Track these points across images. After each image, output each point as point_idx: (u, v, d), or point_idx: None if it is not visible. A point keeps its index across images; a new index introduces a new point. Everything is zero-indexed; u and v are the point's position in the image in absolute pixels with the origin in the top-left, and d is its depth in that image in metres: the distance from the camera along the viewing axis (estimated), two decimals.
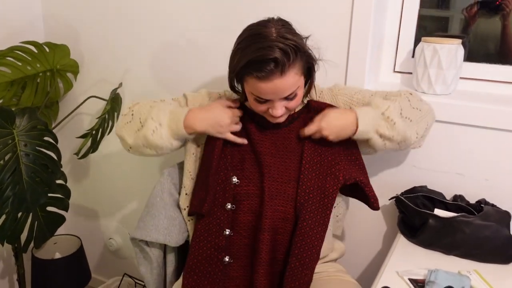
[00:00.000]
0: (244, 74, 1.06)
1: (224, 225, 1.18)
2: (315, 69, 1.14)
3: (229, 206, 1.18)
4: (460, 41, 1.29)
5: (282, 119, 1.15)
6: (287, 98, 1.09)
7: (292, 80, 1.04)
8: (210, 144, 1.21)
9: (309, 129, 1.14)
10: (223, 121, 1.15)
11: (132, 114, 1.19)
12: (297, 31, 1.08)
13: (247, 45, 1.03)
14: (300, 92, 1.11)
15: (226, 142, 1.20)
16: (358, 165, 1.20)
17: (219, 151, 1.19)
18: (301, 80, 1.10)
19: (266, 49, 1.00)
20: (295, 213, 1.14)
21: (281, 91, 1.05)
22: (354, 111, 1.11)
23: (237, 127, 1.19)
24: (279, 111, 1.09)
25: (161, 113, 1.16)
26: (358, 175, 1.17)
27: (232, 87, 1.19)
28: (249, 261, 1.19)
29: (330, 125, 1.12)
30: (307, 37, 1.10)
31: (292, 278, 1.14)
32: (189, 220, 1.29)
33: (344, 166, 1.16)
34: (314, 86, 1.21)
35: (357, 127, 1.10)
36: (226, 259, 1.19)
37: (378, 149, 1.15)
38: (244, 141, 1.19)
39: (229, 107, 1.19)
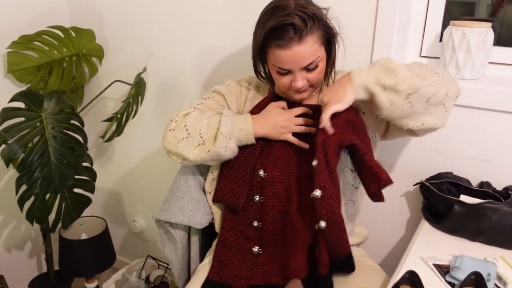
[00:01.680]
0: (265, 45, 1.08)
1: (253, 216, 1.20)
2: (336, 43, 1.14)
3: (257, 199, 1.19)
4: (490, 24, 1.26)
5: (305, 95, 1.16)
6: (307, 69, 1.09)
7: (311, 48, 1.06)
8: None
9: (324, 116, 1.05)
10: (283, 123, 1.16)
11: (187, 129, 1.16)
12: (316, 4, 1.09)
13: (267, 18, 1.07)
14: (322, 64, 1.11)
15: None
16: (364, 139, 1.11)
17: (260, 149, 1.19)
18: (321, 51, 1.10)
19: (284, 16, 1.03)
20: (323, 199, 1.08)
21: (301, 59, 1.06)
22: (349, 72, 1.06)
23: (298, 128, 1.17)
24: (300, 83, 1.10)
25: (229, 128, 1.14)
26: (359, 143, 1.08)
27: (256, 71, 1.19)
28: (277, 248, 1.20)
29: (327, 91, 1.07)
30: (326, 9, 1.11)
31: (326, 247, 1.12)
32: (213, 204, 1.31)
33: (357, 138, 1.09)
34: (335, 71, 1.20)
35: (352, 80, 1.02)
36: (255, 249, 1.21)
37: (386, 107, 1.01)
38: (306, 145, 1.17)
39: (283, 108, 1.20)
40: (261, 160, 1.19)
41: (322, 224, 1.04)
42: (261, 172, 1.18)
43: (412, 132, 1.12)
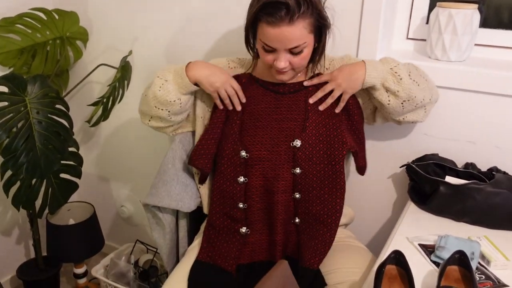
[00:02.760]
0: (257, 19, 1.08)
1: (238, 198, 1.21)
2: (327, 34, 1.14)
3: (241, 179, 1.20)
4: (476, 6, 1.26)
5: (285, 77, 1.17)
6: (292, 52, 1.10)
7: (299, 32, 1.06)
8: (217, 111, 1.25)
9: (322, 78, 1.20)
10: (219, 77, 1.20)
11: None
12: None
13: None
14: (307, 51, 1.12)
15: (235, 114, 1.23)
16: (358, 136, 1.25)
17: (239, 127, 1.22)
18: (310, 38, 1.10)
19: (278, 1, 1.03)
20: (304, 177, 1.17)
21: (287, 41, 1.07)
22: (363, 61, 1.16)
23: (224, 94, 1.21)
24: (282, 63, 1.11)
25: (166, 71, 1.22)
26: (356, 145, 1.24)
27: (247, 41, 1.19)
28: (264, 225, 1.23)
29: (341, 71, 1.17)
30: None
31: (308, 236, 1.20)
32: (200, 186, 1.31)
33: (347, 134, 1.21)
34: (324, 56, 1.20)
35: (365, 75, 1.14)
36: (243, 230, 1.22)
37: (383, 103, 1.17)
38: (220, 106, 1.23)
39: (235, 88, 1.23)
40: (244, 141, 1.20)
41: (297, 195, 1.18)
42: (243, 153, 1.19)
43: (395, 121, 1.26)
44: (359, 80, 1.15)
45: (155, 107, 1.21)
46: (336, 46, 1.34)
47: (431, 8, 1.35)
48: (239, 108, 1.23)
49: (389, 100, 1.16)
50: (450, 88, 1.28)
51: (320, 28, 1.12)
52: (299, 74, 1.23)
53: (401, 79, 1.14)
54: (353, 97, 1.22)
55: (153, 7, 1.65)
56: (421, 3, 1.40)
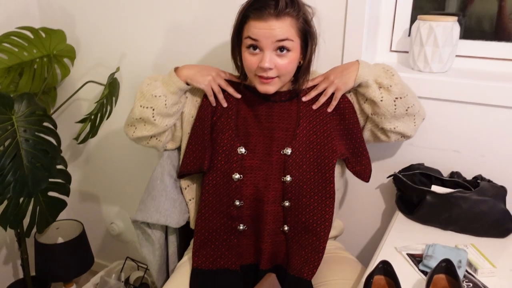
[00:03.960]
0: (245, 18, 1.10)
1: (234, 195, 1.20)
2: (313, 48, 1.15)
3: (237, 176, 1.19)
4: (455, 18, 1.29)
5: (270, 88, 1.14)
6: (279, 49, 1.09)
7: (286, 28, 1.08)
8: (204, 105, 1.26)
9: (318, 87, 1.21)
10: (210, 71, 1.23)
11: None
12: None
13: None
14: (293, 54, 1.11)
15: (230, 113, 1.23)
16: (352, 141, 1.25)
17: (212, 109, 1.24)
18: (296, 39, 1.10)
19: None
20: (294, 185, 1.17)
21: (274, 33, 1.07)
22: (357, 60, 1.20)
23: (216, 88, 1.23)
24: (267, 63, 1.08)
25: (156, 75, 1.26)
26: (347, 152, 1.26)
27: (233, 51, 1.19)
28: (252, 232, 1.23)
29: (334, 70, 1.21)
30: (311, 8, 1.14)
31: (297, 245, 1.20)
32: (190, 200, 1.31)
33: (338, 141, 1.22)
34: (309, 72, 1.20)
35: (358, 70, 1.17)
36: (241, 227, 1.22)
37: (375, 101, 1.18)
38: (212, 101, 1.24)
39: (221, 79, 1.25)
40: (242, 143, 1.20)
41: (287, 204, 1.18)
42: (242, 149, 1.19)
43: (384, 135, 1.26)
44: (352, 76, 1.17)
45: (140, 106, 1.21)
46: (321, 58, 1.36)
47: (413, 21, 1.38)
48: (225, 104, 1.24)
49: (382, 97, 1.17)
50: (434, 99, 1.30)
51: (307, 40, 1.13)
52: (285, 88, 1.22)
53: (393, 75, 1.17)
54: (348, 101, 1.23)
55: (139, 24, 1.66)
56: (403, 16, 1.43)
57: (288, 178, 1.17)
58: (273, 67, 1.10)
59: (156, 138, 1.27)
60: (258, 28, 1.07)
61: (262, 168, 1.19)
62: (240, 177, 1.19)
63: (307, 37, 1.13)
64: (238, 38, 1.15)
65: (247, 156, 1.19)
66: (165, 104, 1.19)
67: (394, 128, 1.22)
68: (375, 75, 1.17)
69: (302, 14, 1.10)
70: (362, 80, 1.17)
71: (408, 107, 1.19)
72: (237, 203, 1.20)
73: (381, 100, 1.17)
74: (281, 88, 1.21)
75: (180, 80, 1.20)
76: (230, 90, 1.24)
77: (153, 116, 1.20)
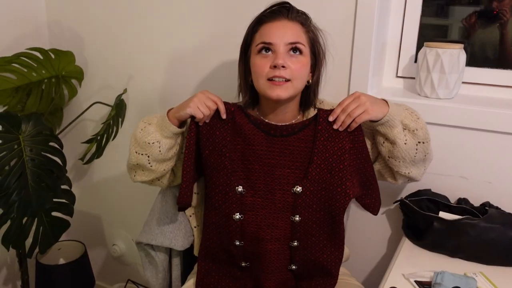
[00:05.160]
0: (258, 23, 1.12)
1: (233, 236, 1.16)
2: (322, 60, 1.16)
3: (237, 216, 1.14)
4: (462, 45, 1.31)
5: (282, 92, 1.07)
6: (291, 50, 1.08)
7: (298, 30, 1.09)
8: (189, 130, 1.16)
9: (345, 101, 1.10)
10: (193, 97, 1.11)
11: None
12: None
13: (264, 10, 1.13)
14: (305, 60, 1.09)
15: (220, 144, 1.13)
16: (365, 176, 1.17)
17: (194, 134, 1.14)
18: (307, 47, 1.10)
19: (281, 3, 1.12)
20: (303, 224, 1.14)
21: (287, 33, 1.08)
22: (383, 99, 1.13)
23: (203, 108, 1.10)
24: (281, 60, 1.05)
25: (152, 116, 1.19)
26: (360, 189, 1.19)
27: (240, 75, 1.18)
28: (260, 268, 1.19)
29: (364, 94, 1.10)
30: (321, 34, 1.17)
31: (308, 279, 1.18)
32: (195, 227, 1.30)
33: (352, 179, 1.14)
34: (317, 95, 1.19)
35: (387, 108, 1.09)
36: (243, 264, 1.20)
37: (397, 144, 1.10)
38: (200, 117, 1.11)
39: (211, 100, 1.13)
40: (240, 182, 1.15)
41: (295, 243, 1.14)
42: (240, 189, 1.13)
43: (392, 177, 1.22)
44: (384, 109, 1.08)
45: (136, 152, 1.15)
46: (328, 83, 1.37)
47: (419, 47, 1.39)
48: (224, 116, 1.13)
49: (406, 140, 1.10)
50: (441, 125, 1.31)
51: (315, 54, 1.13)
52: (293, 121, 1.17)
53: (418, 118, 1.12)
54: (362, 135, 1.13)
55: (146, 47, 1.68)
56: (409, 43, 1.44)
57: (297, 218, 1.13)
58: (287, 66, 1.06)
59: (158, 180, 1.22)
60: (271, 29, 1.08)
61: (265, 206, 1.14)
62: (241, 217, 1.15)
63: (315, 51, 1.13)
64: (246, 56, 1.14)
65: (248, 193, 1.14)
66: (160, 151, 1.12)
67: (408, 173, 1.16)
68: (401, 115, 1.11)
69: (312, 27, 1.13)
70: (390, 118, 1.08)
71: (426, 153, 1.15)
72: (237, 243, 1.17)
73: (405, 143, 1.10)
74: (284, 119, 1.16)
75: (171, 124, 1.11)
76: (221, 107, 1.13)
77: (149, 163, 1.14)
